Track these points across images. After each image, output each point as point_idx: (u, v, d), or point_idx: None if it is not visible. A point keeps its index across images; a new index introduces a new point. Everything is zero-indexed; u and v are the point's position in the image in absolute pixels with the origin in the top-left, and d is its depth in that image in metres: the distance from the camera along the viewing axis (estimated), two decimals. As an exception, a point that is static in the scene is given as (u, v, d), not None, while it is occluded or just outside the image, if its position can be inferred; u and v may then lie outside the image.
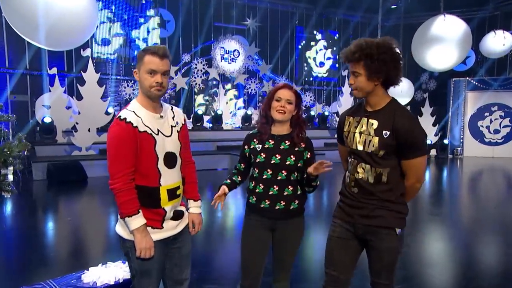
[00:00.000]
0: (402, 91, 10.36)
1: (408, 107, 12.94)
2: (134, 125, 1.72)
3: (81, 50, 9.28)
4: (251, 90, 12.39)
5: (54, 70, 8.77)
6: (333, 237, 1.92)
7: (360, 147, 1.83)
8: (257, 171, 2.02)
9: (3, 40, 9.49)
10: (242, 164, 2.13)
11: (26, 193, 6.88)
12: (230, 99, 12.48)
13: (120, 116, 1.74)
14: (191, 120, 11.11)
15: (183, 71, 11.49)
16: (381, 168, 1.80)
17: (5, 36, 9.38)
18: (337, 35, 14.29)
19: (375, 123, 1.79)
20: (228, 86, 12.37)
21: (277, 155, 1.99)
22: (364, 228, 1.84)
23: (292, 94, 2.01)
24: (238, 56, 11.94)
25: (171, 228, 1.84)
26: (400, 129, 1.73)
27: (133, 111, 1.76)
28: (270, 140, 2.03)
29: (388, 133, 1.75)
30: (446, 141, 12.96)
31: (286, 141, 2.02)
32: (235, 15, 12.47)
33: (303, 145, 2.03)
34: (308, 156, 2.03)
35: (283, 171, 1.98)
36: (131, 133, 1.70)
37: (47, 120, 8.31)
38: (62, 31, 6.16)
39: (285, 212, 1.99)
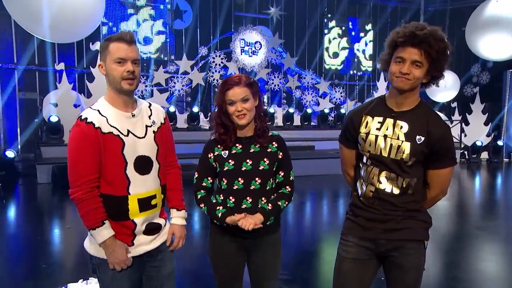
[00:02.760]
0: (446, 86, 9.84)
1: (455, 104, 12.44)
2: (96, 126, 1.63)
3: (90, 43, 9.44)
4: (274, 86, 12.20)
5: (61, 66, 8.95)
6: (347, 259, 1.78)
7: (385, 153, 1.70)
8: (225, 181, 1.85)
9: (11, 35, 9.81)
10: (209, 179, 1.90)
11: (28, 198, 7.03)
12: None
13: (81, 116, 1.66)
14: (208, 119, 11.06)
15: (200, 65, 11.47)
16: (410, 178, 1.71)
17: (14, 30, 9.70)
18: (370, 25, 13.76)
19: (404, 126, 1.69)
20: None
21: (248, 161, 1.84)
22: (387, 244, 1.73)
23: (245, 89, 1.80)
24: (260, 49, 11.80)
25: (144, 243, 1.75)
26: (435, 135, 1.66)
27: (97, 110, 1.68)
28: (237, 144, 1.87)
29: (423, 138, 1.66)
30: (500, 143, 12.18)
31: (256, 143, 1.87)
32: (257, 3, 12.33)
33: (275, 144, 1.89)
34: (280, 157, 1.88)
35: (257, 179, 1.84)
36: (92, 135, 1.62)
37: (54, 119, 8.46)
38: (66, 21, 6.25)
39: (260, 229, 1.81)
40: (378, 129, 1.72)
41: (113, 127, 1.65)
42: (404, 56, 1.61)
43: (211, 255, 1.94)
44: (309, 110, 11.57)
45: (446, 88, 10.15)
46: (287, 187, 1.89)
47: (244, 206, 1.82)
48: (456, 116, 12.17)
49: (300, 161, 8.58)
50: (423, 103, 1.73)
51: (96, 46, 9.60)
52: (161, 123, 1.81)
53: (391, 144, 1.68)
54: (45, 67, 10.11)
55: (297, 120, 11.55)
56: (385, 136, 1.70)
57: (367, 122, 1.76)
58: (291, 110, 11.43)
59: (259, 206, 1.82)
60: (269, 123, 9.54)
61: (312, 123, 11.79)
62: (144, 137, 1.72)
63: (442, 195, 1.78)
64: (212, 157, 1.88)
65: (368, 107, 1.80)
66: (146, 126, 1.75)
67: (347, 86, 13.57)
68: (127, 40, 1.64)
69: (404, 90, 1.65)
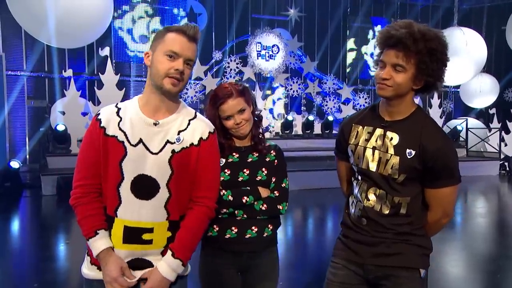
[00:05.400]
0: (481, 91, 9.40)
1: (493, 110, 11.94)
2: (102, 124, 1.48)
3: (99, 49, 9.55)
4: (293, 91, 12.02)
5: (69, 72, 9.05)
6: (334, 282, 1.69)
7: (372, 167, 1.59)
8: (221, 192, 1.77)
9: (21, 41, 10.02)
10: None
11: (31, 211, 7.07)
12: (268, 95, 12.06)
13: (99, 110, 1.56)
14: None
15: (214, 71, 11.43)
16: (400, 197, 1.58)
17: (23, 36, 9.90)
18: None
19: (395, 138, 1.58)
20: (268, 92, 11.99)
21: (245, 170, 1.80)
22: (376, 270, 1.62)
23: (239, 99, 1.76)
24: (277, 53, 11.68)
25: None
26: (429, 148, 1.53)
27: (119, 108, 1.53)
28: (234, 153, 1.83)
29: (414, 152, 1.54)
30: (545, 154, 11.58)
31: (254, 153, 1.84)
32: (275, 5, 12.25)
33: (274, 153, 1.86)
34: (275, 164, 1.84)
35: None
36: (96, 134, 1.49)
37: (61, 127, 8.53)
38: (71, 25, 6.28)
39: (257, 242, 1.78)
40: (367, 140, 1.63)
41: (122, 131, 1.47)
42: (384, 59, 1.53)
43: (202, 279, 1.85)
44: (330, 118, 11.33)
45: (483, 93, 9.72)
46: (275, 192, 1.81)
47: (239, 218, 1.78)
48: (495, 124, 11.66)
49: (320, 172, 8.33)
50: (420, 112, 1.62)
51: (105, 51, 9.71)
52: (191, 144, 1.50)
53: (379, 158, 1.58)
54: (54, 74, 10.26)
55: (317, 128, 11.31)
56: (374, 148, 1.61)
57: (357, 132, 1.67)
58: (311, 117, 11.21)
59: (257, 217, 1.77)
60: (287, 131, 9.23)
61: (334, 132, 11.52)
62: (157, 153, 1.47)
63: (447, 218, 1.64)
64: None
65: (359, 116, 1.72)
66: (167, 142, 1.48)
67: (372, 92, 13.26)
68: (189, 35, 1.46)
69: (385, 97, 1.57)
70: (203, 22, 11.86)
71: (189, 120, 1.54)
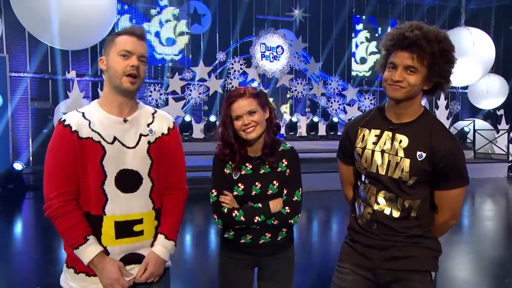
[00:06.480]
0: (489, 91, 9.34)
1: (501, 111, 11.86)
2: (74, 129, 1.51)
3: (103, 50, 9.58)
4: (298, 93, 12.02)
5: (72, 74, 9.09)
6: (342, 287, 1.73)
7: (382, 171, 1.58)
8: (232, 213, 1.82)
9: (24, 42, 10.10)
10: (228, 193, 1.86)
11: (33, 212, 7.09)
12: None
13: (61, 118, 1.56)
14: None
15: (217, 72, 11.46)
16: (411, 200, 1.58)
17: (27, 38, 9.98)
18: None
19: (404, 140, 1.58)
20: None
21: (257, 184, 1.81)
22: (387, 274, 1.62)
23: (251, 100, 1.75)
24: (281, 54, 11.68)
25: None
26: (439, 150, 1.54)
27: (82, 112, 1.56)
28: (247, 164, 1.81)
29: (424, 155, 1.55)
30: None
31: (267, 163, 1.81)
32: (280, 5, 12.26)
33: (285, 162, 1.82)
34: (287, 174, 1.81)
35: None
36: (68, 140, 1.50)
37: (63, 129, 8.58)
38: (75, 27, 6.31)
39: (271, 246, 1.83)
40: (375, 143, 1.63)
41: (95, 132, 1.53)
42: (396, 61, 1.52)
43: (221, 276, 1.91)
44: (335, 119, 11.31)
45: (491, 94, 9.66)
46: (287, 208, 1.80)
47: (253, 226, 1.82)
48: (503, 125, 11.59)
49: (325, 174, 8.31)
50: (427, 113, 1.63)
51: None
52: (162, 134, 1.64)
53: (389, 161, 1.59)
54: (57, 75, 10.32)
55: (322, 130, 11.30)
56: (383, 152, 1.61)
57: (363, 136, 1.67)
58: (316, 119, 11.20)
59: (269, 224, 1.80)
60: (292, 133, 9.22)
61: (338, 133, 11.49)
62: (134, 147, 1.57)
63: (454, 220, 1.66)
64: (227, 174, 1.84)
65: (364, 119, 1.72)
66: (140, 135, 1.59)
67: (378, 93, 13.23)
68: (138, 35, 1.56)
69: (398, 99, 1.55)
70: (207, 23, 11.90)
71: (152, 114, 1.67)
